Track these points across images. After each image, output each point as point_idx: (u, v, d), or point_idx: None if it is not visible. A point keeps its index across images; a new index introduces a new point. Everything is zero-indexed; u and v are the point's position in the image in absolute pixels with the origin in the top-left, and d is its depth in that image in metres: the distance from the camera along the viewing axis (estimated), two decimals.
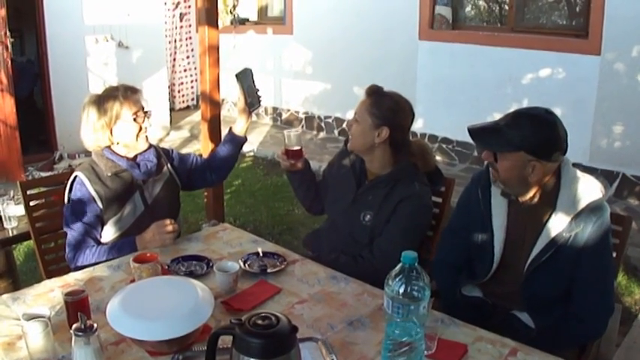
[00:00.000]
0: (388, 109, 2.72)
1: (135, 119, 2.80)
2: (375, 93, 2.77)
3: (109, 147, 2.85)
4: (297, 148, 2.93)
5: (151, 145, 2.94)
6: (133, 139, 2.83)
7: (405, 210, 2.72)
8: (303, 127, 9.05)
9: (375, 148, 2.76)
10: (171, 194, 3.05)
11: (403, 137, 2.80)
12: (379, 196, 2.76)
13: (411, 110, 2.79)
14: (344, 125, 8.34)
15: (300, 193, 3.15)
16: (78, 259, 2.78)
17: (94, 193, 2.78)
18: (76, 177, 2.82)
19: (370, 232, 2.78)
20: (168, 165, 3.05)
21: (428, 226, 2.93)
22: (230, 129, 3.12)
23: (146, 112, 2.86)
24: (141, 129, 2.83)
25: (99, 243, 2.84)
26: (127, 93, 2.81)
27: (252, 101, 3.00)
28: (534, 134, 2.21)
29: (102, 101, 2.79)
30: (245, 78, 2.96)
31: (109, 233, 2.85)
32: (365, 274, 2.58)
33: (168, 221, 2.77)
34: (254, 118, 9.73)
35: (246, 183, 7.01)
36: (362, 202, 2.82)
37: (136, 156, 2.88)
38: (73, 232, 2.79)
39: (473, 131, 2.31)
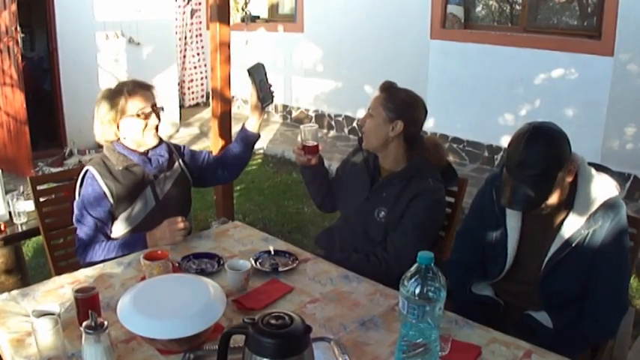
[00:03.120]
0: (403, 102, 2.72)
1: (139, 115, 2.77)
2: (389, 88, 2.77)
3: (120, 141, 2.84)
4: (313, 143, 2.90)
5: (162, 141, 2.93)
6: (139, 134, 2.81)
7: (419, 205, 2.70)
8: None
9: (389, 142, 2.75)
10: (183, 191, 3.03)
11: (417, 132, 2.79)
12: (393, 193, 2.75)
13: (424, 106, 2.78)
14: (354, 124, 8.34)
15: (312, 188, 3.13)
16: (87, 254, 2.76)
17: (105, 188, 2.76)
18: (87, 171, 2.80)
19: (384, 229, 2.76)
20: (180, 161, 3.03)
21: (441, 222, 2.93)
22: (243, 125, 3.09)
23: (155, 108, 2.84)
24: (147, 125, 2.81)
25: (109, 238, 2.82)
26: (134, 88, 2.80)
27: (264, 96, 2.96)
28: (551, 152, 2.15)
29: (111, 96, 2.78)
30: (257, 73, 2.92)
31: (119, 229, 2.83)
32: (377, 272, 2.58)
33: (179, 218, 2.75)
34: (264, 116, 9.73)
35: (256, 181, 7.01)
36: (376, 198, 2.80)
37: (147, 151, 2.87)
38: (84, 227, 2.77)
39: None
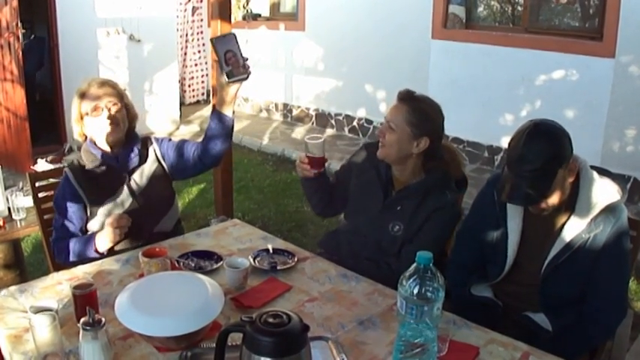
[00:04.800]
0: (427, 117, 2.59)
1: (89, 114, 2.73)
2: (410, 99, 2.61)
3: (91, 140, 2.81)
4: (319, 156, 2.71)
5: (129, 136, 2.86)
6: (96, 133, 2.76)
7: (439, 220, 2.63)
8: (313, 123, 9.03)
9: (410, 158, 2.64)
10: (162, 185, 2.95)
11: (440, 145, 2.69)
12: (410, 207, 2.64)
13: (442, 113, 2.65)
14: (354, 123, 8.33)
15: (314, 199, 2.99)
16: (55, 251, 2.80)
17: (77, 188, 2.75)
18: (64, 172, 2.81)
19: (401, 243, 2.66)
20: (158, 155, 2.94)
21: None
22: (213, 107, 2.78)
23: (110, 104, 2.74)
24: (96, 124, 2.73)
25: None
26: (89, 88, 2.75)
27: (230, 71, 2.52)
28: (551, 148, 2.15)
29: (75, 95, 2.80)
30: (223, 43, 2.52)
31: (98, 227, 2.79)
32: (386, 279, 2.46)
33: (115, 216, 2.65)
34: (264, 114, 9.74)
35: (255, 179, 7.00)
36: (390, 212, 2.69)
37: (118, 149, 2.81)
38: (55, 225, 2.80)
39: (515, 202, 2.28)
